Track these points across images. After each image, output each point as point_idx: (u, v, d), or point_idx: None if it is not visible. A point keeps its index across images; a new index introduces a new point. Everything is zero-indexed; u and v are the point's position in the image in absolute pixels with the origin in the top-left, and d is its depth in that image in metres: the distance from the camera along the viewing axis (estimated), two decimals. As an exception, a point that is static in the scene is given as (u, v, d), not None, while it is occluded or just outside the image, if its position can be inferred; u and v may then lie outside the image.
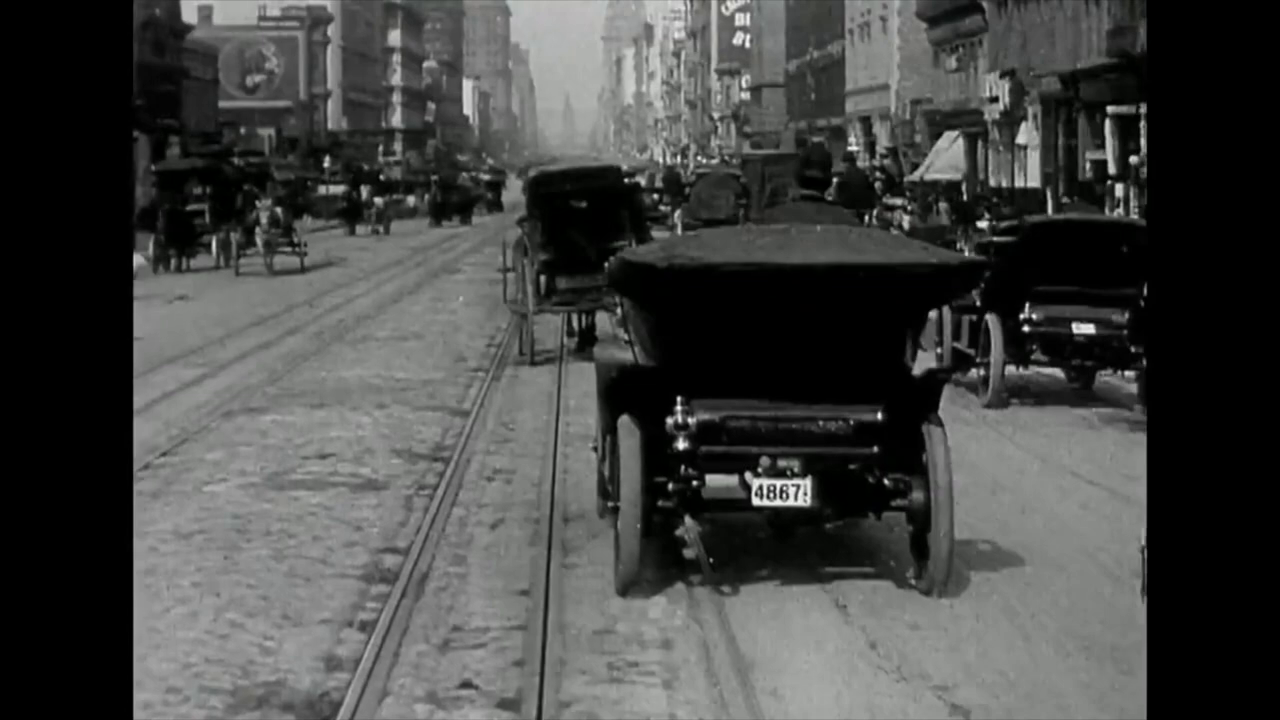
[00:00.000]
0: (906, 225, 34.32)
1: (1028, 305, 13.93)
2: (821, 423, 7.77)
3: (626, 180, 20.73)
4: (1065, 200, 36.32)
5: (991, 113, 45.82)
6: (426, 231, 51.32)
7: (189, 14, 74.34)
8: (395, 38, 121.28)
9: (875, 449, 7.76)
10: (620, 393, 8.03)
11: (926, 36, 55.82)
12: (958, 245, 26.99)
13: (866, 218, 24.57)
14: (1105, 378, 14.75)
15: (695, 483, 7.74)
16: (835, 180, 26.25)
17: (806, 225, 8.38)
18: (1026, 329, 13.92)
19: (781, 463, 7.66)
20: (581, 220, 17.74)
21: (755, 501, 7.70)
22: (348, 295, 26.71)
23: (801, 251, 7.67)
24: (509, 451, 11.75)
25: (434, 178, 64.04)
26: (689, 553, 8.39)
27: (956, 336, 14.86)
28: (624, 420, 7.73)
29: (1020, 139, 43.97)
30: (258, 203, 32.24)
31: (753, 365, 7.88)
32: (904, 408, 7.78)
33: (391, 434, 12.50)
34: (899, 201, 36.74)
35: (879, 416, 7.73)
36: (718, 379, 7.86)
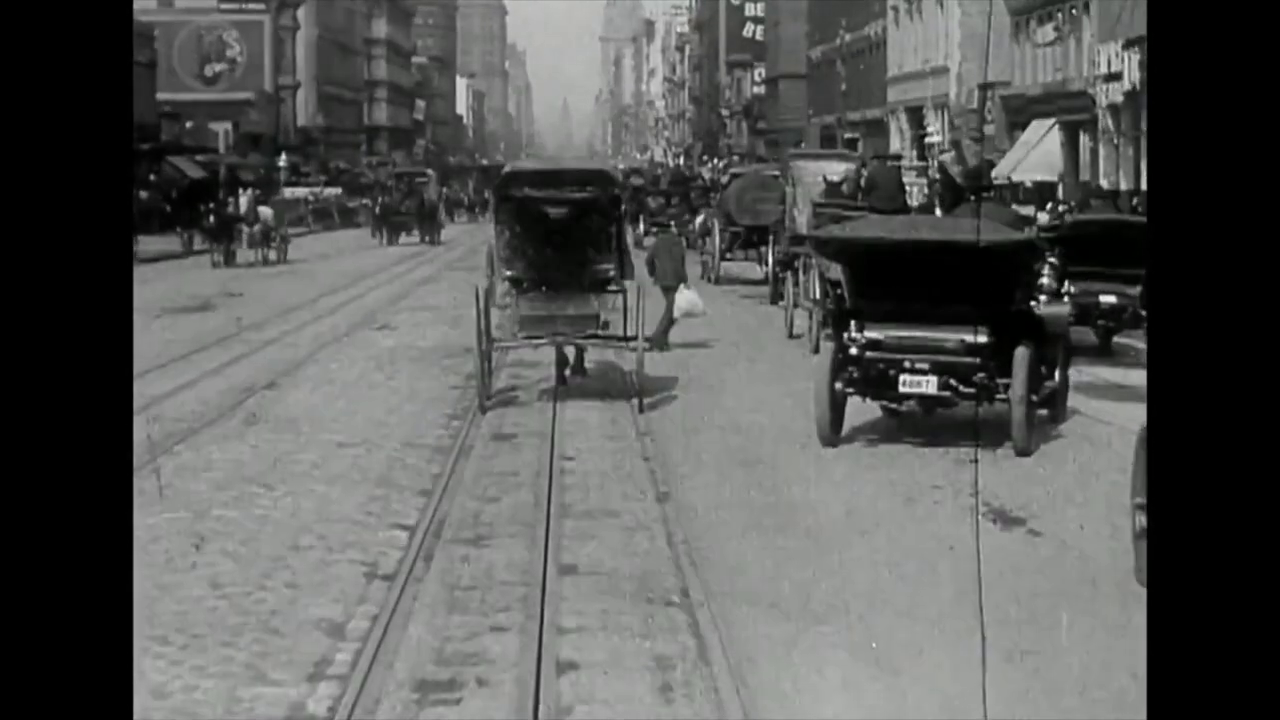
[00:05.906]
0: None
1: (1065, 281, 19.37)
2: (945, 341, 13.10)
3: (617, 188, 17.27)
4: None
5: (1110, 94, 35.81)
6: (373, 250, 38.99)
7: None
8: (380, 28, 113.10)
9: (978, 359, 13.03)
10: (827, 320, 14.76)
11: (1006, 5, 45.77)
12: None
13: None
14: (1119, 340, 19.79)
15: (859, 374, 13.22)
16: (861, 180, 25.56)
17: (959, 217, 18.19)
18: (1065, 298, 18.84)
19: (918, 365, 13.07)
20: (560, 232, 15.62)
21: (901, 390, 13.20)
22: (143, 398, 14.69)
23: (924, 233, 14.23)
24: None
25: (401, 175, 52.85)
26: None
27: None
28: (823, 337, 14.24)
29: (1154, 126, 34.01)
30: None
31: (901, 303, 13.31)
32: (1001, 334, 13.02)
33: None
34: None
35: (982, 339, 13.01)
36: (881, 312, 13.30)
